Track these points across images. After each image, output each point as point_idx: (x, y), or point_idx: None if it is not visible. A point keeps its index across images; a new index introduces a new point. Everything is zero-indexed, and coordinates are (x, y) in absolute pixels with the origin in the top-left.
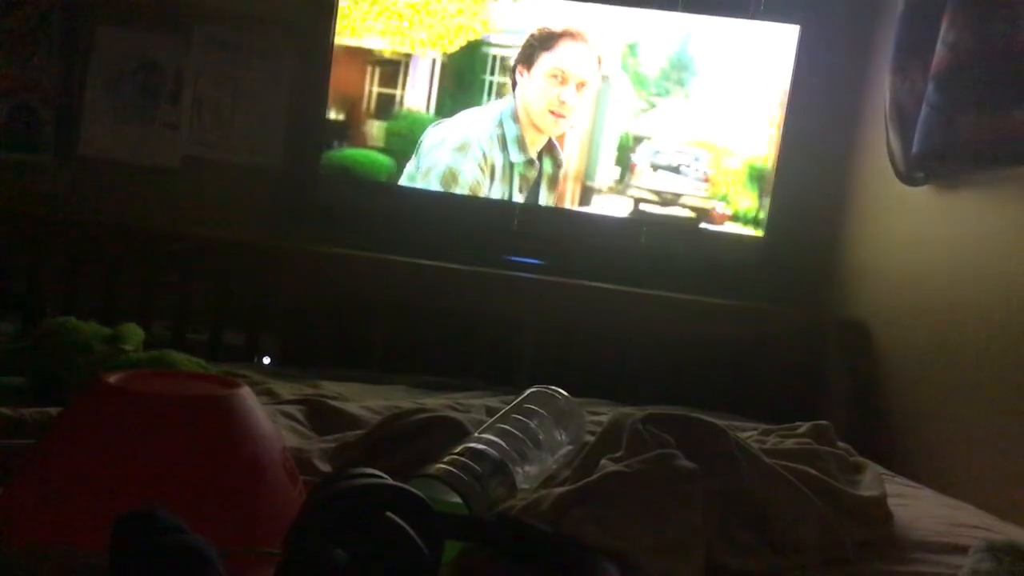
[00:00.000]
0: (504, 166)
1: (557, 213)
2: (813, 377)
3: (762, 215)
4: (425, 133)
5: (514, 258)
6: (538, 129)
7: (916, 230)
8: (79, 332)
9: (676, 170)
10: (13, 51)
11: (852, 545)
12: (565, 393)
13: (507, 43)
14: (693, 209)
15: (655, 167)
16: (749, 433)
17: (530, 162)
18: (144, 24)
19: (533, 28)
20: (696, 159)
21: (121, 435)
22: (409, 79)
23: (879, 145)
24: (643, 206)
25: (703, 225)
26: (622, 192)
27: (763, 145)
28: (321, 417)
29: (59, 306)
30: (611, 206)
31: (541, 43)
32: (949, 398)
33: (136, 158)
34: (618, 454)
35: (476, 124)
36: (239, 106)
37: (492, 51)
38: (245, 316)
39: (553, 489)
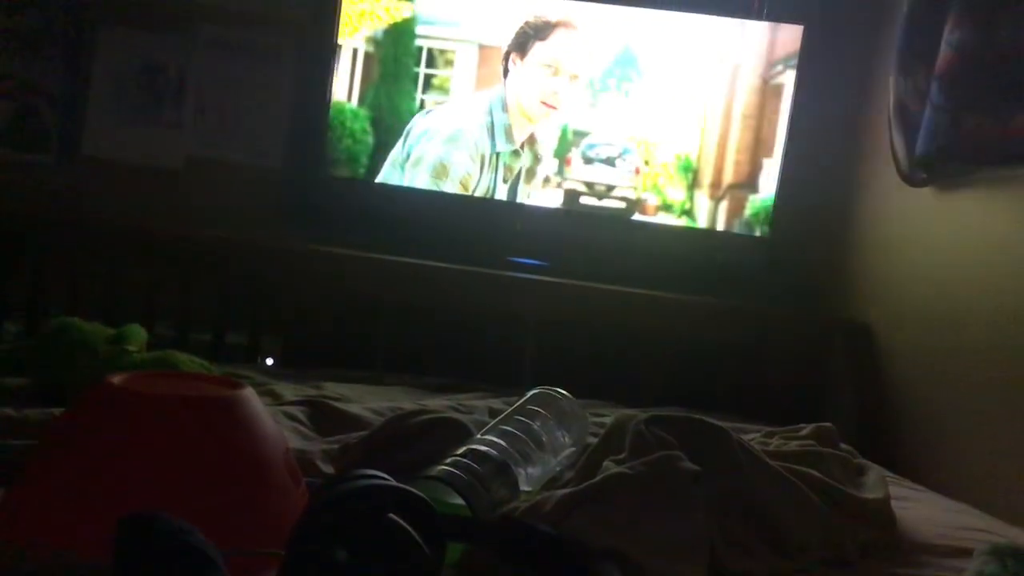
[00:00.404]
0: (490, 155)
1: (560, 213)
2: (817, 379)
3: (689, 206)
4: (412, 121)
5: (517, 259)
6: (528, 119)
7: (920, 231)
8: (82, 333)
9: (609, 163)
10: (17, 52)
11: (855, 547)
12: (568, 394)
13: (438, 35)
14: (624, 200)
15: (588, 160)
16: (752, 435)
17: (515, 152)
18: (147, 25)
19: (529, 15)
20: (627, 152)
21: (124, 436)
22: (337, 69)
23: (883, 146)
24: (577, 198)
25: (636, 216)
26: (558, 185)
27: (694, 139)
28: (324, 418)
29: (62, 306)
30: (546, 198)
31: (536, 32)
32: (953, 400)
33: (140, 158)
34: (621, 456)
35: (466, 113)
36: (242, 107)
37: (421, 43)
38: (248, 317)
39: (556, 491)
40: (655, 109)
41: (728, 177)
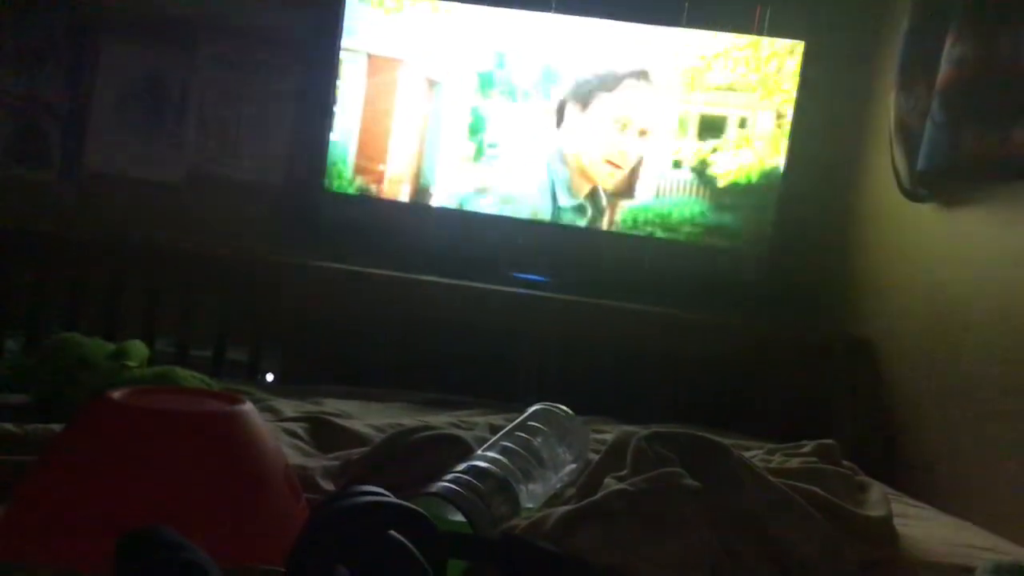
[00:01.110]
0: (552, 215)
1: (562, 230)
2: (817, 394)
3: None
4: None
5: (519, 275)
6: (587, 177)
7: (921, 247)
8: (83, 348)
9: None
10: (20, 68)
11: (857, 565)
12: (569, 411)
13: None
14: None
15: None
16: (754, 452)
17: (580, 208)
18: (150, 40)
19: (594, 64)
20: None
21: (124, 451)
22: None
23: (884, 162)
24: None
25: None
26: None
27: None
28: (324, 434)
29: (63, 322)
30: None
31: (602, 82)
32: (955, 416)
33: (141, 174)
34: (622, 472)
35: (522, 173)
36: (244, 122)
37: None
38: (248, 332)
39: (557, 508)
40: (571, 120)
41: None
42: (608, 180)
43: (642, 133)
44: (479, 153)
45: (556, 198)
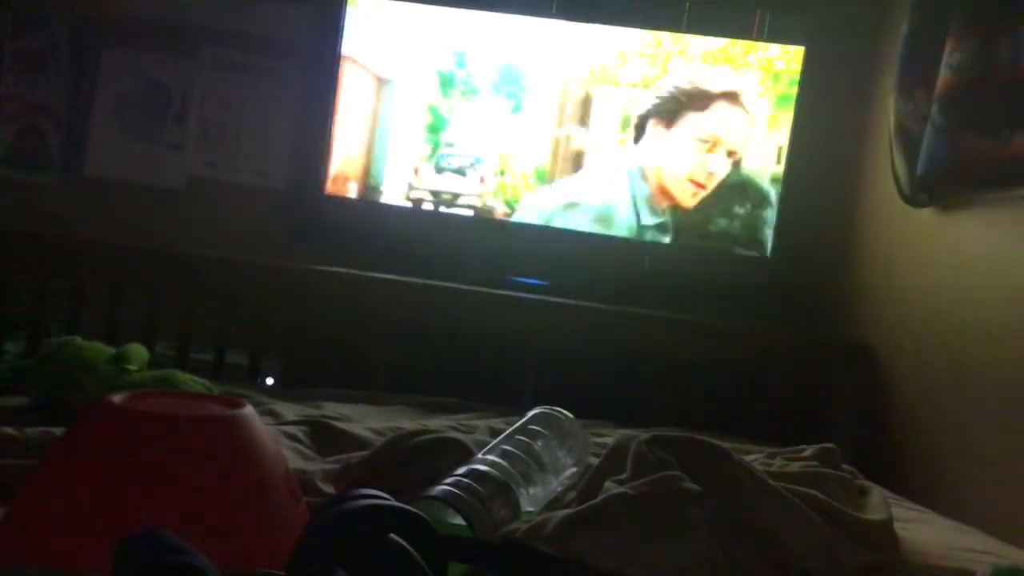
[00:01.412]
0: (634, 230)
1: (561, 233)
2: (817, 399)
3: None
4: (534, 194)
5: (518, 279)
6: (668, 196)
7: (921, 251)
8: (83, 352)
9: (460, 172)
10: (22, 73)
11: (857, 569)
12: (569, 414)
13: None
14: (471, 208)
15: (440, 169)
16: (755, 456)
17: (662, 225)
18: (151, 46)
19: (681, 82)
20: (479, 162)
21: (125, 455)
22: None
23: (884, 166)
24: (423, 206)
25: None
26: (406, 193)
27: (547, 151)
28: (324, 438)
29: (64, 326)
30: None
31: (690, 100)
32: (955, 420)
33: (142, 179)
34: (623, 476)
35: (611, 186)
36: (245, 127)
37: None
38: (249, 337)
39: (557, 511)
40: (524, 121)
41: None
42: (689, 198)
43: (730, 154)
44: (433, 154)
45: (640, 216)
